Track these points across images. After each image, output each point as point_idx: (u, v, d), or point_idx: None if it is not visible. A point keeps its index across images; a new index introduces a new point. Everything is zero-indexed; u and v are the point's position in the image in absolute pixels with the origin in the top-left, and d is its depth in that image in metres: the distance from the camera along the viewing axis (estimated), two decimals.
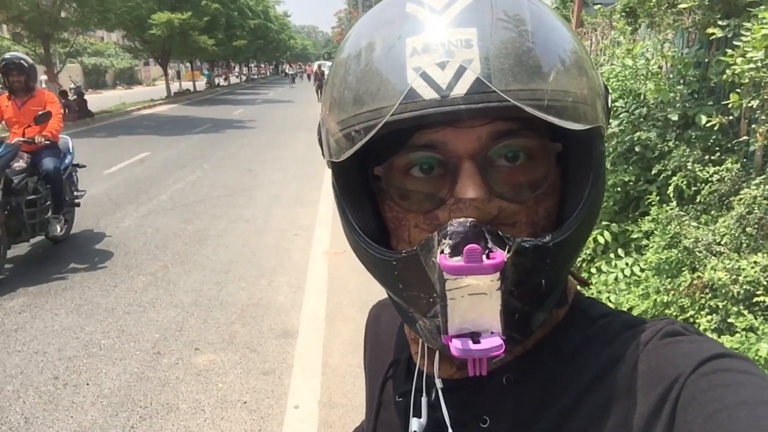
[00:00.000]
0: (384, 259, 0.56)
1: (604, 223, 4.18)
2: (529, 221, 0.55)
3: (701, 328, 2.89)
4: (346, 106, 0.54)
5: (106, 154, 12.50)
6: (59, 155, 6.04)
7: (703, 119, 3.66)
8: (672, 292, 3.23)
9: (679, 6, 3.95)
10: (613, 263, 4.03)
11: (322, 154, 0.62)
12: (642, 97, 4.27)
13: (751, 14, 3.17)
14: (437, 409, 0.62)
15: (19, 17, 16.41)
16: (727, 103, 3.16)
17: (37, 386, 3.65)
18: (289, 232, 7.01)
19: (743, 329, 2.70)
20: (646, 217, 3.76)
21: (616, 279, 3.89)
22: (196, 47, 30.59)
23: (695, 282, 3.11)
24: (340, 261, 5.83)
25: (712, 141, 3.77)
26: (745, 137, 3.45)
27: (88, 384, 3.68)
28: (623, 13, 5.51)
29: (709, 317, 2.96)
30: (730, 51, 3.03)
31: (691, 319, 3.04)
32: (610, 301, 3.68)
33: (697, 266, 3.20)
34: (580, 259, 3.98)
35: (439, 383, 0.63)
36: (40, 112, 5.50)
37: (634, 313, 2.99)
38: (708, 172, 3.52)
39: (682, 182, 3.67)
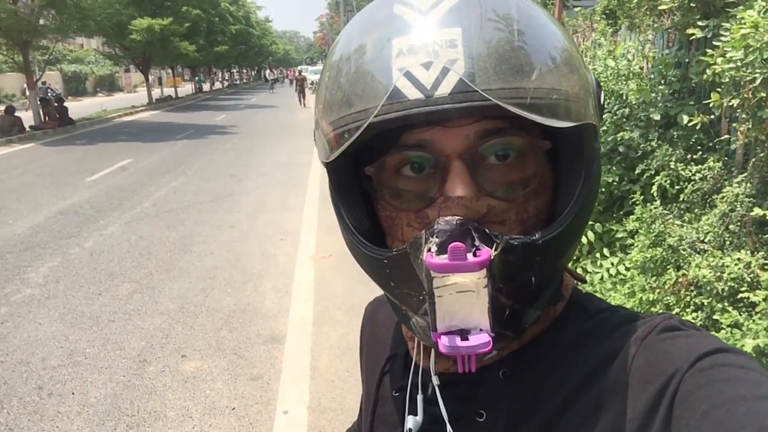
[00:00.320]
0: (376, 258, 0.57)
1: (589, 222, 4.21)
2: (518, 219, 0.55)
3: None
4: (335, 108, 0.55)
5: (88, 162, 12.40)
6: None
7: (685, 119, 3.70)
8: (657, 290, 3.26)
9: (659, 7, 4.00)
10: (598, 263, 4.06)
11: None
12: (624, 97, 4.31)
13: (730, 15, 3.21)
14: (434, 403, 0.62)
15: None
16: (708, 103, 3.20)
17: (22, 396, 3.60)
18: (275, 237, 6.98)
19: (728, 326, 2.74)
20: (631, 217, 3.80)
21: (602, 278, 3.92)
22: (177, 53, 30.38)
23: (680, 280, 3.14)
24: (327, 265, 5.82)
25: (694, 140, 3.82)
26: (726, 136, 3.49)
27: (73, 393, 3.63)
28: (603, 15, 5.55)
29: (694, 314, 2.99)
30: (710, 51, 3.07)
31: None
32: None
33: (682, 264, 3.23)
34: None
35: (435, 380, 0.63)
36: None
37: None
38: (690, 171, 3.56)
39: (665, 181, 3.71)
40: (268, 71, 60.70)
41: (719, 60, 2.91)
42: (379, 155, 0.57)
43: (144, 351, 4.17)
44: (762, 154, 3.08)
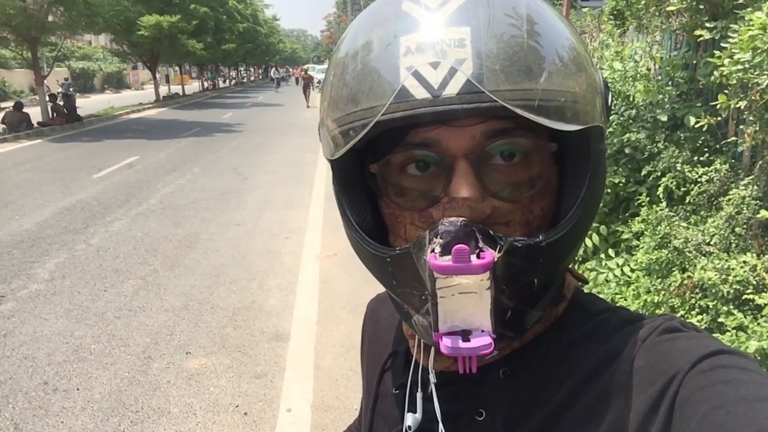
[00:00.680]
0: (378, 256, 0.57)
1: (594, 225, 4.20)
2: (523, 220, 0.55)
3: None
4: (341, 105, 0.55)
5: (95, 158, 12.44)
6: None
7: (692, 120, 3.69)
8: (662, 292, 3.25)
9: (667, 8, 3.98)
10: (603, 264, 4.05)
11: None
12: (631, 98, 4.29)
13: (738, 16, 3.20)
14: (433, 401, 0.63)
15: (5, 21, 16.27)
16: (716, 104, 3.19)
17: (27, 392, 3.62)
18: (280, 235, 6.99)
19: (733, 328, 2.73)
20: (636, 218, 3.78)
21: (606, 279, 3.91)
22: (185, 51, 30.42)
23: (685, 282, 3.13)
24: (332, 264, 5.83)
25: (700, 142, 3.80)
26: (733, 138, 3.47)
27: (78, 389, 3.65)
28: (611, 16, 5.53)
29: (699, 317, 2.98)
30: (717, 53, 3.06)
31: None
32: None
33: (687, 266, 3.22)
34: None
35: (432, 378, 0.63)
36: None
37: None
38: (697, 173, 3.54)
39: (671, 183, 3.69)
40: (273, 70, 60.32)
41: (727, 62, 2.90)
42: (384, 153, 0.57)
43: (149, 348, 4.18)
44: None
